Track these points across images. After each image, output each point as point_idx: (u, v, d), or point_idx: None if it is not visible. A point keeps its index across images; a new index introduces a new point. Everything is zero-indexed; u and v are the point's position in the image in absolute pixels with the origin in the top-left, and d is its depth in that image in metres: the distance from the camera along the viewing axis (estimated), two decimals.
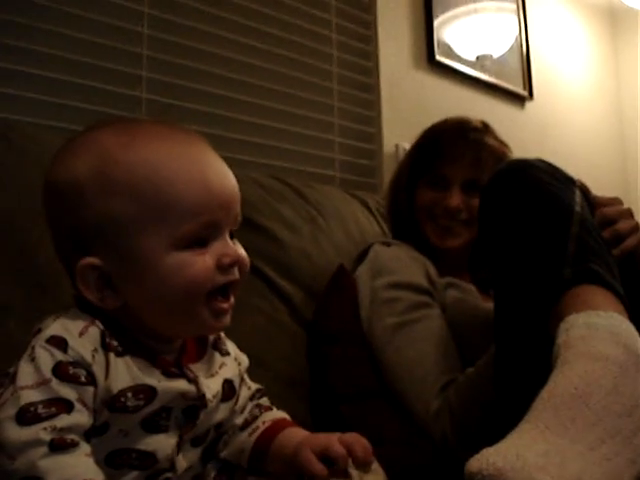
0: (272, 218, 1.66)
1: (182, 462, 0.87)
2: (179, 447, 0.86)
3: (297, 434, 0.95)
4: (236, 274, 0.85)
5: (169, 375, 0.84)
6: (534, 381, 0.90)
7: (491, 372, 1.24)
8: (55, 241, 0.88)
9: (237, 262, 0.85)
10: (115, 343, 0.81)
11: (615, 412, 0.83)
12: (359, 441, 0.89)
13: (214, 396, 0.90)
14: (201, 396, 0.87)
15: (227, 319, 0.87)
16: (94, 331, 0.80)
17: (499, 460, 0.76)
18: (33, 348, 0.77)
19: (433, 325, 1.43)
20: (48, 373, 0.75)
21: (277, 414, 1.01)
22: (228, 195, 0.86)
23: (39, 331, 0.80)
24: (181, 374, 0.86)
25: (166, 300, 0.82)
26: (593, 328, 0.92)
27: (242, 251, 0.87)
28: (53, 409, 0.73)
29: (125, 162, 0.81)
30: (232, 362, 0.97)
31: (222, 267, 0.83)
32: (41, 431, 0.72)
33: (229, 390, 0.94)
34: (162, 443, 0.84)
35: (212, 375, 0.91)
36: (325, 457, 0.89)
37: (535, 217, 1.11)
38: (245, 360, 1.02)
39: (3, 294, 1.14)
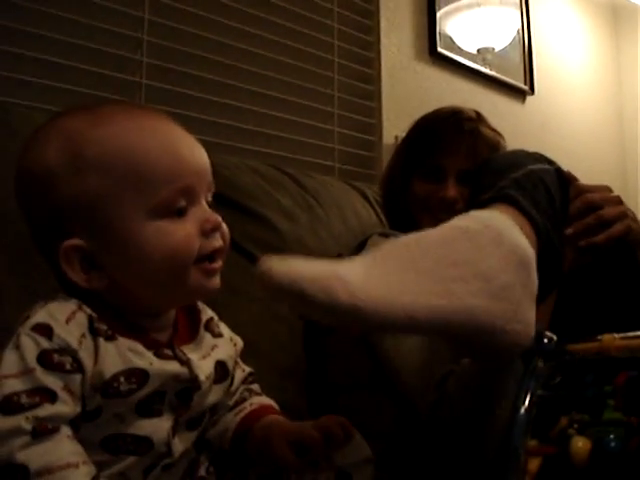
0: (270, 207, 1.66)
1: (178, 446, 0.87)
2: (174, 430, 0.86)
3: (276, 422, 0.96)
4: (220, 241, 0.87)
5: (161, 357, 0.84)
6: None
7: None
8: (33, 230, 0.88)
9: (218, 227, 0.86)
10: (104, 327, 0.81)
11: (436, 259, 0.87)
12: (335, 420, 0.92)
13: (207, 378, 0.90)
14: (194, 378, 0.87)
15: (217, 280, 0.88)
16: (81, 316, 0.80)
17: (283, 258, 0.80)
18: (18, 336, 0.77)
19: None
20: (33, 362, 0.75)
21: (265, 400, 1.02)
22: (199, 162, 0.87)
23: (27, 318, 0.79)
24: (174, 356, 0.86)
25: (150, 270, 0.83)
26: (471, 215, 0.97)
27: (220, 219, 0.88)
28: (36, 399, 0.73)
29: (94, 139, 0.82)
30: (226, 343, 0.98)
31: (205, 233, 0.85)
32: (23, 420, 0.71)
33: (222, 372, 0.94)
34: (157, 427, 0.83)
35: (204, 357, 0.91)
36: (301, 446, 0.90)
37: (496, 175, 1.17)
38: (240, 342, 1.03)
39: None
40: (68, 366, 0.76)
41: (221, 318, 1.44)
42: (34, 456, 0.71)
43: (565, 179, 1.20)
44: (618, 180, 3.96)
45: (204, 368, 0.89)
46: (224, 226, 0.88)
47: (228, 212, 1.56)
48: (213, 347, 0.94)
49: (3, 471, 0.70)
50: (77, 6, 1.81)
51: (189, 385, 0.87)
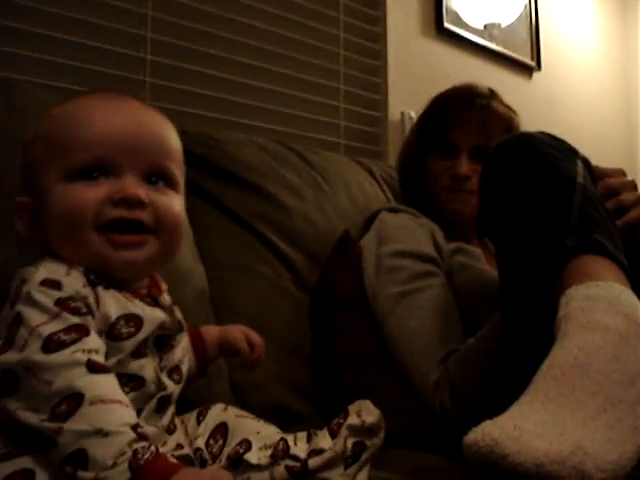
0: (276, 183, 1.65)
1: (167, 381, 0.92)
2: (161, 369, 0.92)
3: (212, 327, 1.14)
4: (136, 214, 0.88)
5: (148, 304, 0.91)
6: (540, 352, 0.89)
7: (491, 343, 1.25)
8: None
9: (131, 200, 0.88)
10: (99, 279, 0.87)
11: (616, 381, 0.82)
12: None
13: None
14: (178, 321, 0.96)
15: (133, 254, 0.90)
16: (77, 272, 0.85)
17: (495, 431, 0.76)
18: (28, 293, 0.80)
19: (437, 294, 1.43)
20: (55, 308, 0.79)
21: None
22: (132, 138, 0.90)
23: (24, 281, 0.83)
24: (156, 304, 0.93)
25: (55, 230, 0.88)
26: (592, 299, 0.91)
27: (162, 200, 0.91)
28: (74, 335, 0.78)
29: (50, 114, 0.93)
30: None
31: (115, 202, 0.87)
32: (76, 353, 0.76)
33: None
34: (145, 366, 0.88)
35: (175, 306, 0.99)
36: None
37: (537, 188, 1.10)
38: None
39: (2, 254, 1.13)
40: (83, 309, 0.82)
41: (226, 294, 1.45)
42: (90, 385, 0.75)
43: (590, 167, 1.18)
44: (625, 155, 3.95)
45: (180, 315, 0.98)
46: (161, 205, 0.90)
47: (234, 188, 1.58)
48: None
49: (60, 399, 0.74)
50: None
51: (168, 333, 0.94)
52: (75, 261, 0.87)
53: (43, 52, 1.71)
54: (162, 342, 0.92)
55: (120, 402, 0.76)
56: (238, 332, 1.11)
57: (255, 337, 1.11)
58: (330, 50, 2.47)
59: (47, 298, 0.80)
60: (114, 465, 0.71)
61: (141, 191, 0.88)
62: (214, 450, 0.95)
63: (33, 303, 0.79)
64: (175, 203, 0.93)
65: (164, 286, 1.01)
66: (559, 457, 0.73)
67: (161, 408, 0.91)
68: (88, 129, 0.88)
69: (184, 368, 0.98)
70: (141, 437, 0.75)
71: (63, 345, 0.76)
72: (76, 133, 0.88)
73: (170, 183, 0.94)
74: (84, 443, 0.72)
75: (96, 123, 0.89)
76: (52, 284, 0.81)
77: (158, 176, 0.92)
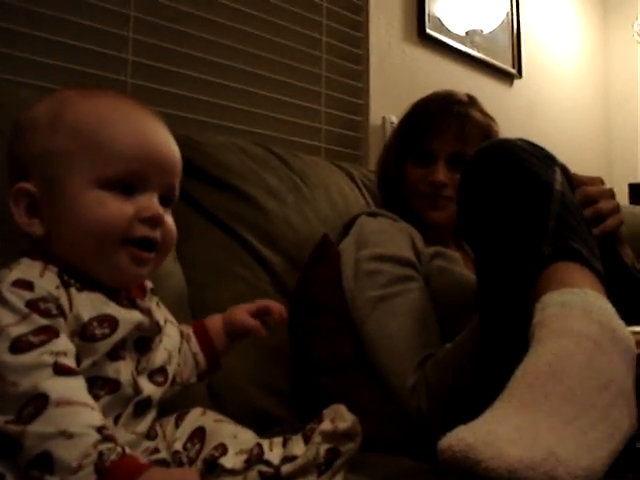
0: (256, 186, 1.65)
1: (145, 385, 0.91)
2: (138, 372, 0.91)
3: (215, 316, 1.12)
4: (156, 233, 0.90)
5: (124, 306, 0.90)
6: (515, 358, 0.89)
7: (469, 348, 1.25)
8: (8, 174, 0.93)
9: (156, 220, 0.90)
10: (73, 280, 0.86)
11: (590, 387, 0.82)
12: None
13: (165, 323, 0.99)
14: (155, 323, 0.94)
15: (147, 270, 0.92)
16: (51, 273, 0.85)
17: (469, 436, 0.76)
18: (0, 293, 0.80)
19: (414, 299, 1.43)
20: (25, 310, 0.79)
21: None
22: (163, 157, 0.92)
23: None
24: (134, 306, 0.92)
25: (79, 234, 0.87)
26: (567, 306, 0.91)
27: (169, 220, 0.93)
28: (43, 337, 0.78)
29: (76, 106, 0.90)
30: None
31: (141, 219, 0.88)
32: (44, 355, 0.76)
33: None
34: (122, 369, 0.88)
35: (158, 307, 1.00)
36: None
37: (515, 195, 1.10)
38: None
39: None
40: (54, 311, 0.81)
41: (204, 296, 1.44)
42: (56, 387, 0.75)
43: (568, 174, 1.18)
44: (603, 164, 3.98)
45: (160, 317, 0.98)
46: (169, 225, 0.93)
47: (213, 190, 1.58)
48: (158, 304, 1.02)
49: (26, 401, 0.74)
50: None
51: (148, 334, 0.93)
52: (74, 262, 0.87)
53: (24, 51, 1.70)
54: (142, 344, 0.92)
55: (86, 404, 0.76)
56: (241, 312, 1.10)
57: (271, 305, 1.11)
58: (312, 54, 2.47)
59: (18, 299, 0.79)
60: (79, 467, 0.71)
61: (161, 211, 0.90)
62: (191, 454, 0.94)
63: (4, 303, 0.79)
64: (172, 222, 0.94)
65: (149, 284, 1.01)
66: (532, 463, 0.73)
67: (139, 412, 0.90)
68: (127, 139, 0.88)
69: (170, 369, 0.98)
70: (107, 439, 0.74)
71: (31, 347, 0.76)
72: (115, 141, 0.88)
73: (172, 202, 0.95)
74: (48, 445, 0.72)
75: (134, 135, 0.89)
76: (24, 285, 0.81)
77: (168, 195, 0.94)
